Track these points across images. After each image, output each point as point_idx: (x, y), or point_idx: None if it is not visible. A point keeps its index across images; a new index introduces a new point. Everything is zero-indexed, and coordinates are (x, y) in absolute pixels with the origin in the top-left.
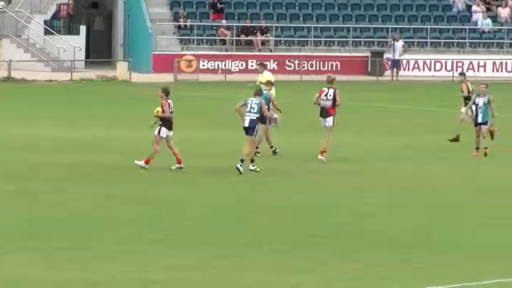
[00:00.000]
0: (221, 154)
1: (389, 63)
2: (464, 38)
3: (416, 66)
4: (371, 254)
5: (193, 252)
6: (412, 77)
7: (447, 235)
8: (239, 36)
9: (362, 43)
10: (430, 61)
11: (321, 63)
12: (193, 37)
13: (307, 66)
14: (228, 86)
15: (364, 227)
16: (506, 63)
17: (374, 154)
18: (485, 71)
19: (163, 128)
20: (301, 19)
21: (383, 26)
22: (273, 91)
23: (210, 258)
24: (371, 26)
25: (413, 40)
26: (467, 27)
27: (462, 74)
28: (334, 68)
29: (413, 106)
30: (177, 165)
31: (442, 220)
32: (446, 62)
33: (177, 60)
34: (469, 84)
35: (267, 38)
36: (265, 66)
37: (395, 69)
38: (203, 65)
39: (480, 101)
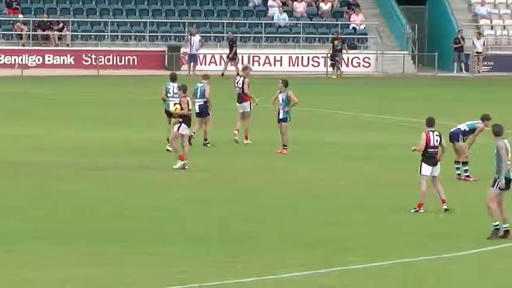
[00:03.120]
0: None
1: (186, 57)
2: (261, 33)
3: (213, 60)
4: (171, 249)
5: None
6: (209, 71)
7: (247, 228)
8: (35, 30)
9: (159, 37)
10: (227, 56)
11: (118, 57)
12: None
13: (104, 61)
14: (24, 81)
15: (166, 222)
16: (302, 57)
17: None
18: (281, 65)
19: (183, 125)
20: (97, 13)
21: (180, 20)
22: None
23: None
24: (168, 20)
25: (209, 34)
26: (263, 21)
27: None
28: (131, 63)
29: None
30: (179, 162)
31: (243, 213)
32: (242, 57)
33: None
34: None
35: (64, 33)
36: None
37: (192, 63)
38: (0, 60)
39: (280, 97)
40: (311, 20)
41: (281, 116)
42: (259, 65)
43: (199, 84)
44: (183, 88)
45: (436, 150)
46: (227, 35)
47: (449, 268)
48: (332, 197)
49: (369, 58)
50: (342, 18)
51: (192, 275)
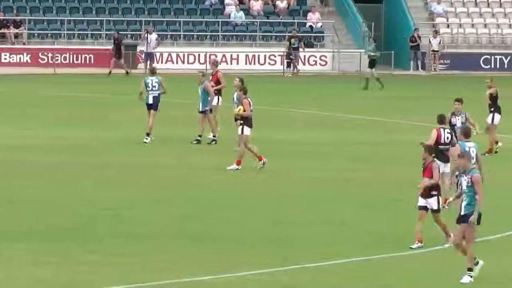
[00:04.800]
0: None
1: (143, 55)
2: (217, 31)
3: (169, 58)
4: (126, 247)
5: None
6: (165, 69)
7: (204, 227)
8: None
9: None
10: (184, 54)
11: (75, 56)
12: None
13: (61, 59)
14: None
15: (121, 220)
16: (258, 55)
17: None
18: (238, 63)
19: (246, 127)
20: (54, 11)
21: (137, 19)
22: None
23: None
24: (124, 19)
25: (166, 33)
26: (220, 20)
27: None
28: (88, 61)
29: (169, 99)
30: (259, 162)
31: (201, 212)
32: (199, 55)
33: None
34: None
35: (20, 31)
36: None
37: (148, 62)
38: None
39: (235, 95)
40: (268, 18)
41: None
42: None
43: (152, 78)
44: (244, 90)
45: (447, 147)
46: (113, 33)
47: (405, 265)
48: (289, 196)
49: (325, 56)
50: (299, 16)
51: (147, 273)
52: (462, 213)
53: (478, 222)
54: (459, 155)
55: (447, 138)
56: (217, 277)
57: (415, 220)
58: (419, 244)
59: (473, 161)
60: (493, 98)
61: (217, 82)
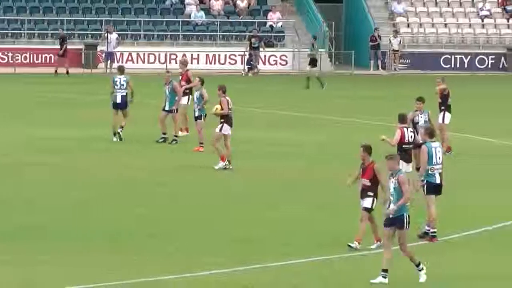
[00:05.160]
0: None
1: (103, 55)
2: (178, 31)
3: (130, 58)
4: (82, 247)
5: None
6: (126, 69)
7: (164, 227)
8: None
9: (76, 35)
10: (144, 54)
11: (35, 55)
12: None
13: (21, 59)
14: None
15: (78, 219)
16: (219, 55)
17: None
18: (198, 63)
19: (225, 125)
20: (14, 11)
21: (97, 18)
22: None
23: None
24: (85, 18)
25: (127, 32)
26: (181, 19)
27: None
28: (48, 61)
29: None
30: (221, 163)
31: (161, 212)
32: (159, 55)
33: None
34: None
35: None
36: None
37: (109, 61)
38: None
39: (195, 95)
40: (228, 18)
41: (196, 114)
42: (176, 63)
43: (120, 77)
44: (222, 89)
45: (410, 146)
46: (59, 32)
47: (363, 265)
48: (248, 195)
49: (286, 56)
50: (259, 16)
51: (106, 273)
52: (391, 216)
53: (408, 227)
54: (391, 157)
55: (411, 137)
56: (178, 277)
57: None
58: (358, 244)
59: (439, 161)
60: (444, 96)
61: (188, 81)
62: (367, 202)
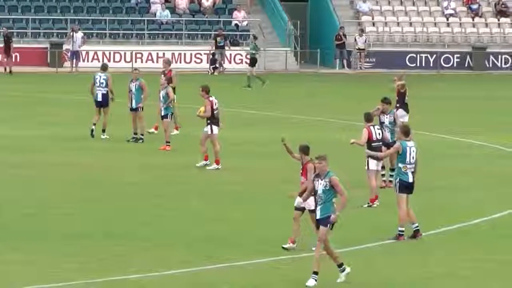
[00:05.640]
0: None
1: (69, 54)
2: (143, 29)
3: (95, 57)
4: (50, 246)
5: None
6: (91, 68)
7: (130, 226)
8: None
9: (41, 34)
10: (110, 52)
11: (0, 54)
12: None
13: None
14: None
15: (47, 218)
16: (184, 54)
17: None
18: None
19: (214, 126)
20: None
21: (62, 17)
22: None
23: None
24: (50, 17)
25: (92, 31)
26: (146, 18)
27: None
28: (14, 60)
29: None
30: (203, 161)
31: (127, 212)
32: (125, 53)
33: None
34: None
35: None
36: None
37: (74, 60)
38: None
39: (160, 94)
40: (194, 17)
41: (162, 113)
42: (141, 62)
43: (100, 74)
44: (206, 89)
45: (380, 143)
46: (2, 30)
47: (330, 264)
48: (213, 194)
49: None
50: (225, 15)
51: (73, 272)
52: (318, 217)
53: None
54: (321, 157)
55: (379, 134)
56: (145, 276)
57: (359, 219)
58: (292, 244)
59: (413, 160)
60: (400, 94)
61: (170, 80)
62: (312, 204)
